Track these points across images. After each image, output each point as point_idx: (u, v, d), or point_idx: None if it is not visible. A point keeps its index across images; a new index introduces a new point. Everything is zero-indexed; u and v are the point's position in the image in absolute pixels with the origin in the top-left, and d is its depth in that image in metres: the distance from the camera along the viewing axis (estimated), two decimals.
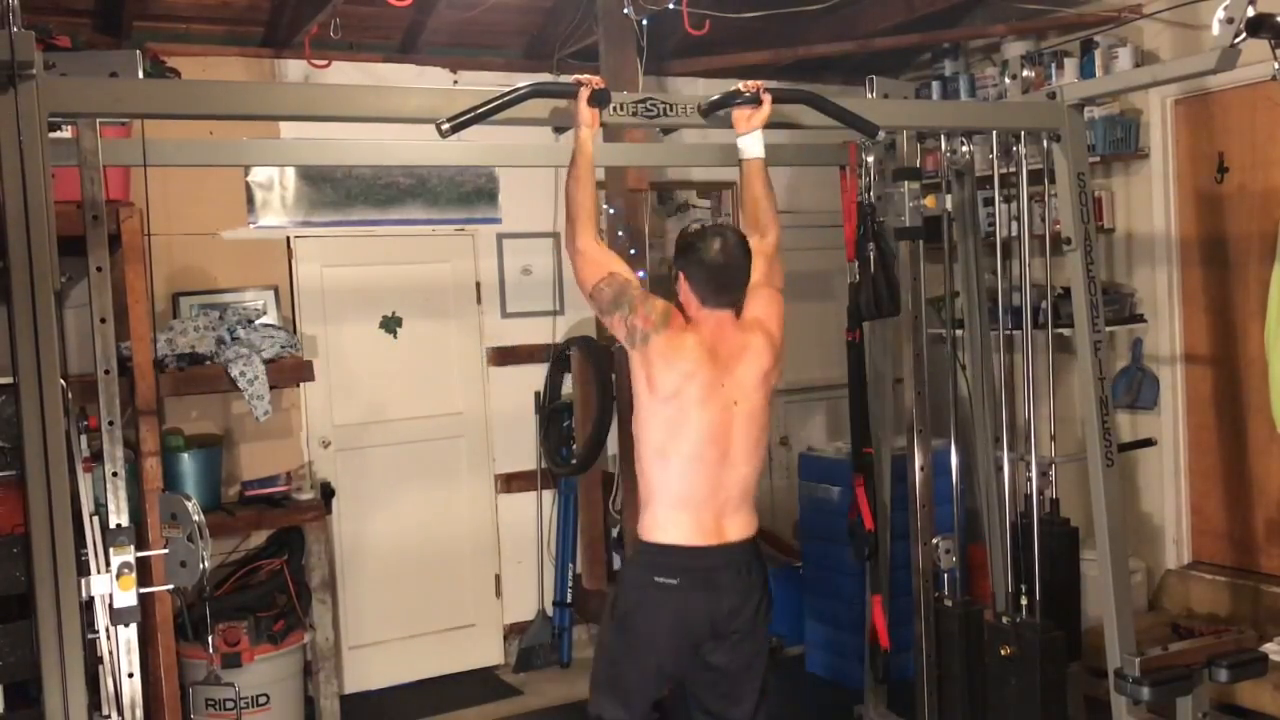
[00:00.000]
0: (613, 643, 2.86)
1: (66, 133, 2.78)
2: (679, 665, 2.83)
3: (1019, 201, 3.58)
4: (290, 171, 4.87)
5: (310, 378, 4.64)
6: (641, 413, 2.77)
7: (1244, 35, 2.77)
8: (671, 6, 4.44)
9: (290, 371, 4.53)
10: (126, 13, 4.39)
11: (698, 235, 2.84)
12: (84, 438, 2.92)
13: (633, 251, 4.57)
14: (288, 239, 4.88)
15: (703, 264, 2.78)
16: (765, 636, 2.88)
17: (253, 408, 4.34)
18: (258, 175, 4.82)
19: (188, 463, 4.43)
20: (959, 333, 4.18)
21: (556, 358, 5.29)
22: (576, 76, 2.74)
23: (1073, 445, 4.28)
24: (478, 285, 5.28)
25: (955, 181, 3.84)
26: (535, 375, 5.35)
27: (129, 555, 2.51)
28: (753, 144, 2.94)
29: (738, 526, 2.80)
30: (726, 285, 2.80)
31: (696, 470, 2.74)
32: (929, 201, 3.78)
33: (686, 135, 4.39)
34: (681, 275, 2.83)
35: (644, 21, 4.56)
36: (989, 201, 4.14)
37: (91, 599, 2.50)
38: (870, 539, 3.93)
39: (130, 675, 2.57)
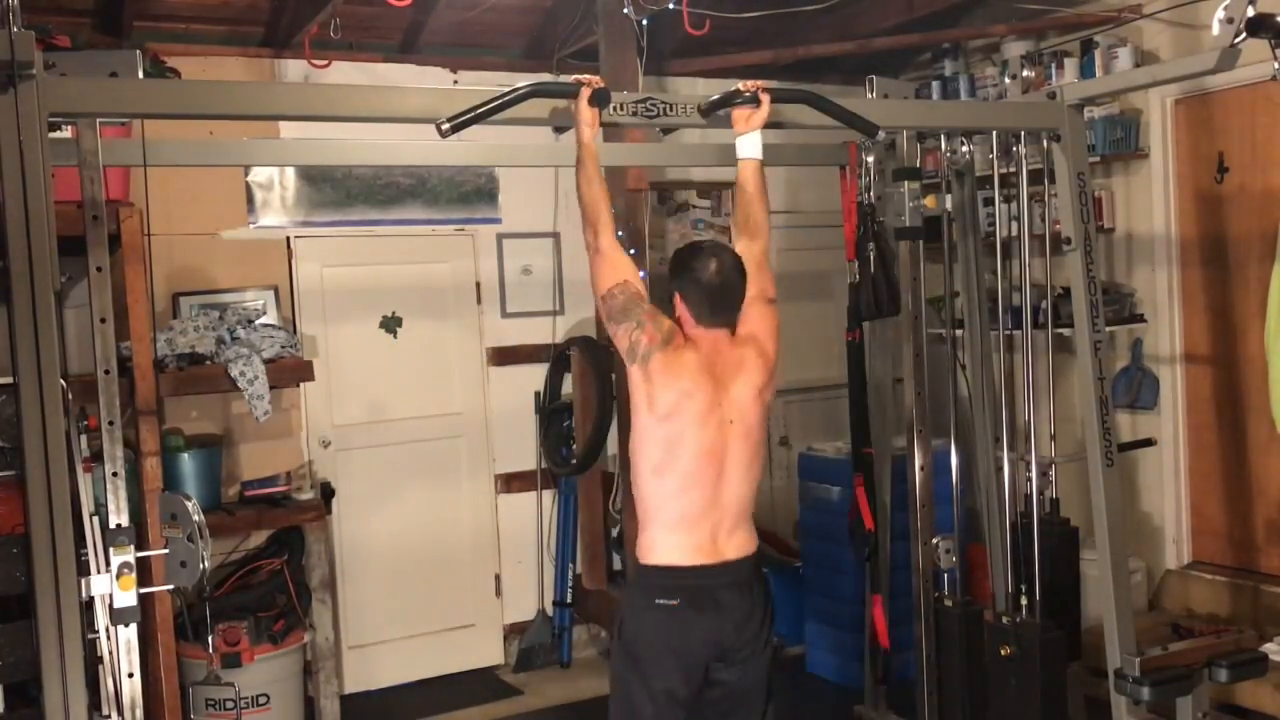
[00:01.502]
0: (623, 674, 2.80)
1: (66, 133, 2.78)
2: (689, 687, 2.77)
3: (1019, 201, 3.57)
4: (290, 171, 4.87)
5: (310, 378, 4.64)
6: (639, 431, 2.75)
7: (1244, 35, 2.77)
8: (671, 6, 4.44)
9: (290, 371, 4.52)
10: (126, 13, 4.39)
11: (692, 255, 2.80)
12: (84, 438, 2.92)
13: (633, 251, 4.56)
14: (288, 239, 4.88)
15: (699, 284, 2.75)
16: (770, 651, 2.85)
17: (253, 408, 4.34)
18: (258, 175, 4.82)
19: (188, 463, 4.43)
20: (959, 333, 4.18)
21: (556, 358, 5.29)
22: (577, 76, 2.74)
23: (1073, 445, 4.28)
24: (478, 285, 5.28)
25: (955, 181, 3.84)
26: (535, 375, 5.35)
27: (129, 555, 2.51)
28: (750, 145, 2.92)
29: (736, 544, 2.77)
30: (723, 305, 2.78)
31: (692, 489, 2.71)
32: (929, 201, 3.78)
33: (686, 135, 4.38)
34: (677, 295, 2.81)
35: (644, 21, 4.57)
36: (989, 201, 4.13)
37: (91, 599, 2.50)
38: (870, 539, 3.93)
39: (130, 675, 2.57)
